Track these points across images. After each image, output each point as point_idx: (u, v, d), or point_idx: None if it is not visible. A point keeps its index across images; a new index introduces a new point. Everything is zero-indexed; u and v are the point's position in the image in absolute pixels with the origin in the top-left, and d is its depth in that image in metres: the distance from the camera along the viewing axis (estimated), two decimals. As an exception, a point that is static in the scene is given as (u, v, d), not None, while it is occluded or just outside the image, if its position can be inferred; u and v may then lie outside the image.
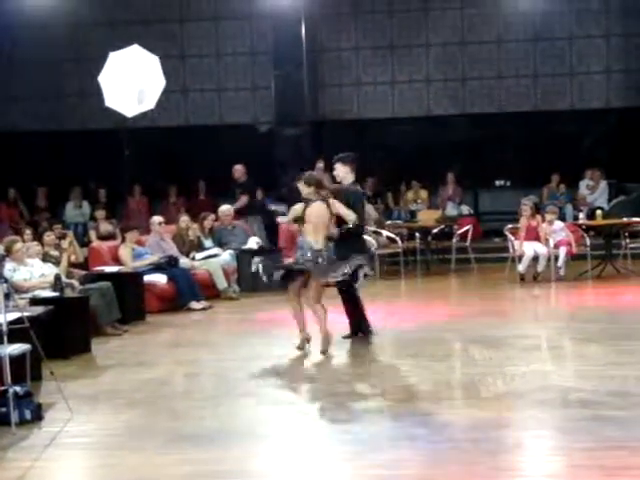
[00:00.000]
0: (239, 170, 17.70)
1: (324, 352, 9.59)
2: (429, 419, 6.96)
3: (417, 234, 17.46)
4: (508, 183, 20.87)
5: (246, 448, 6.42)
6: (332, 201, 9.85)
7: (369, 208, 16.99)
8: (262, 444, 6.55)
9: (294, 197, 10.47)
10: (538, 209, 16.04)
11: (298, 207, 9.97)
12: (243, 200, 17.26)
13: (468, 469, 5.76)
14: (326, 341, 9.66)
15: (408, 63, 20.78)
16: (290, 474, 5.89)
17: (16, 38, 19.47)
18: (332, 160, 10.42)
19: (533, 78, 20.61)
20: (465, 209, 20.07)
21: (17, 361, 7.66)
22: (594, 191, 19.65)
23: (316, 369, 9.14)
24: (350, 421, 7.10)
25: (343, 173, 10.24)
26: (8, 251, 10.62)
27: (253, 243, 15.58)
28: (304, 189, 9.98)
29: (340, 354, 9.67)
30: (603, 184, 19.68)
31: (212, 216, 15.75)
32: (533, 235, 15.30)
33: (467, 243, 17.43)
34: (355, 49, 20.87)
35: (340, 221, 9.88)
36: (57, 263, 11.93)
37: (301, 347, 9.84)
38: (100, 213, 17.01)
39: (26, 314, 8.03)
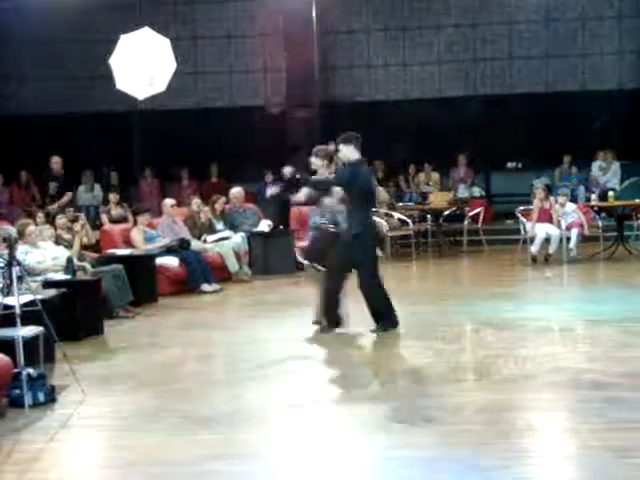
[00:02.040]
0: (57, 162, 16.89)
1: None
2: (441, 401, 6.97)
3: (428, 216, 17.47)
4: (520, 165, 20.82)
5: (258, 431, 6.44)
6: None
7: (379, 190, 17.01)
8: (274, 427, 6.57)
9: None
10: (550, 190, 16.01)
11: None
12: (64, 200, 16.60)
13: (480, 451, 5.77)
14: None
15: (419, 45, 20.73)
16: (301, 457, 5.92)
17: (27, 20, 19.47)
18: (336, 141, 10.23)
19: (545, 59, 20.53)
20: (477, 191, 20.05)
21: (30, 343, 7.70)
22: (606, 172, 19.60)
23: (327, 351, 9.15)
24: (361, 404, 7.11)
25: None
26: (21, 234, 10.65)
27: (265, 225, 15.60)
28: (317, 162, 10.10)
29: (350, 337, 9.68)
30: (615, 165, 19.63)
31: (223, 199, 15.77)
32: (546, 217, 15.29)
33: (479, 225, 17.44)
34: (366, 31, 20.83)
35: None
36: (69, 246, 11.98)
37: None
38: (113, 196, 17.03)
39: (39, 297, 8.06)
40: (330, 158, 10.17)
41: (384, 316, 9.67)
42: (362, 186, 9.65)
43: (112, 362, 9.04)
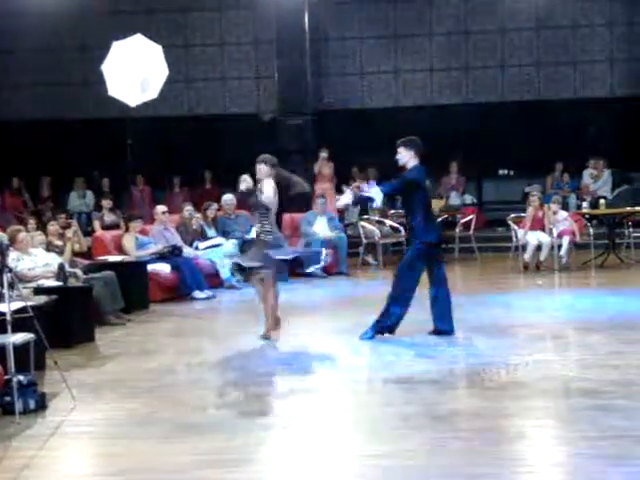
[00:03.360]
0: None
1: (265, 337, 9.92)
2: (432, 408, 6.96)
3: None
4: (511, 172, 20.86)
5: (250, 437, 6.42)
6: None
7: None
8: (265, 433, 6.56)
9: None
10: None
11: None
12: None
13: (471, 459, 5.77)
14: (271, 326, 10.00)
15: (411, 52, 20.77)
16: (293, 463, 5.90)
17: (20, 26, 19.45)
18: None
19: (536, 67, 20.59)
20: (468, 198, 20.07)
21: (21, 350, 7.66)
22: (597, 180, 19.63)
23: (318, 358, 9.12)
24: (353, 411, 7.11)
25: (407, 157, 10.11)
26: (12, 240, 10.61)
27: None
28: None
29: (342, 344, 9.67)
30: (607, 173, 19.67)
31: (215, 205, 15.75)
32: (538, 225, 15.30)
33: (470, 232, 17.45)
34: (359, 38, 20.86)
35: None
36: (61, 252, 11.95)
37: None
38: (106, 203, 17.00)
39: (30, 303, 8.04)
40: (272, 166, 10.16)
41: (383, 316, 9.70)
42: (425, 191, 10.12)
43: (103, 369, 9.02)
